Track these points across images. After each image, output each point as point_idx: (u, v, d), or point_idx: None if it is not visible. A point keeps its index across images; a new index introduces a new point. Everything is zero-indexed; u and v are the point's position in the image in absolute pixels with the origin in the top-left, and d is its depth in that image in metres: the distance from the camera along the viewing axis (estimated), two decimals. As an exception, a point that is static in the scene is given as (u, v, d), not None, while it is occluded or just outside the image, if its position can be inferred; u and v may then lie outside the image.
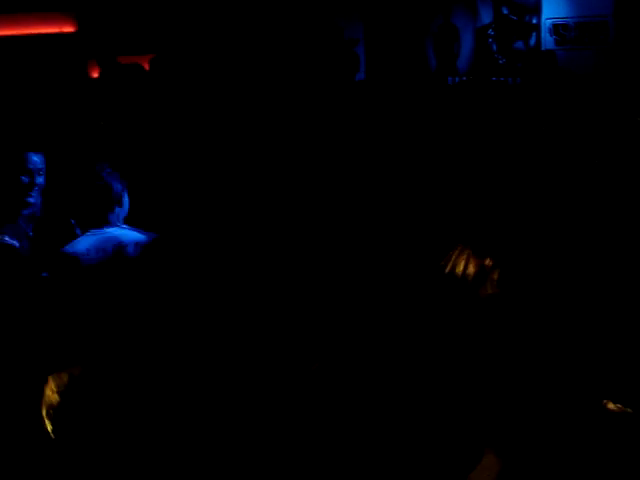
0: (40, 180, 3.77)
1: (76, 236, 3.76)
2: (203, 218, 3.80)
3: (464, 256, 2.68)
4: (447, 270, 2.68)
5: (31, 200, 3.76)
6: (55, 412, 2.51)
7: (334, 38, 8.76)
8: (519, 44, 9.06)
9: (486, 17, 9.39)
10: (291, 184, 4.25)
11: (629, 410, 2.25)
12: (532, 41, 8.91)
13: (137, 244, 3.58)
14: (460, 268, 2.66)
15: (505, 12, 9.17)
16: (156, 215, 4.04)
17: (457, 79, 9.69)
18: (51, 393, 2.54)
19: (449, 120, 5.70)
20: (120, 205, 3.73)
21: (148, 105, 5.97)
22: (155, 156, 5.02)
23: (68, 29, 9.47)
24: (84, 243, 3.63)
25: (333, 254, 2.92)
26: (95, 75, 8.44)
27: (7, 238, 3.59)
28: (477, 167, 4.73)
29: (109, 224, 3.68)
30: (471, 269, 2.64)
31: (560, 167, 4.53)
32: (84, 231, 3.73)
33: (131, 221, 3.78)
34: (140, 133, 5.40)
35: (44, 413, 2.53)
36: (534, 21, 8.87)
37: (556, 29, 8.63)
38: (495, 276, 2.61)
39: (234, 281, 2.88)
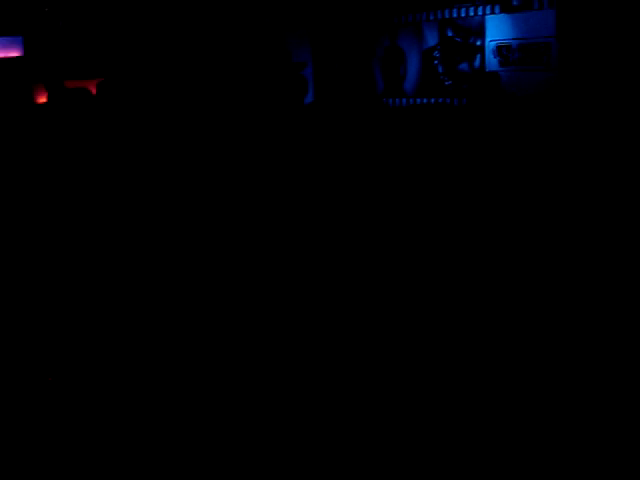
0: None
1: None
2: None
3: None
4: None
5: None
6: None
7: (282, 61, 8.80)
8: (464, 66, 9.21)
9: (431, 39, 9.53)
10: (238, 209, 4.26)
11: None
12: (476, 63, 9.05)
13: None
14: None
15: (450, 34, 9.31)
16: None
17: (404, 100, 9.82)
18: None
19: (396, 142, 5.75)
20: None
21: (95, 129, 5.94)
22: (103, 177, 4.99)
23: (14, 54, 9.38)
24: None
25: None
26: (41, 100, 8.36)
27: None
28: (424, 187, 4.78)
29: None
30: None
31: (503, 184, 4.60)
32: None
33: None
34: (88, 156, 5.36)
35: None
36: (478, 43, 9.01)
37: (500, 51, 8.78)
38: None
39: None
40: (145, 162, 4.60)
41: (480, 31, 8.95)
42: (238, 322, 2.82)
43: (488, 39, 8.88)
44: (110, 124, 6.01)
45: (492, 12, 8.77)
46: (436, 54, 9.52)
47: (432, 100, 9.49)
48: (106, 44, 9.01)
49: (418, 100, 9.74)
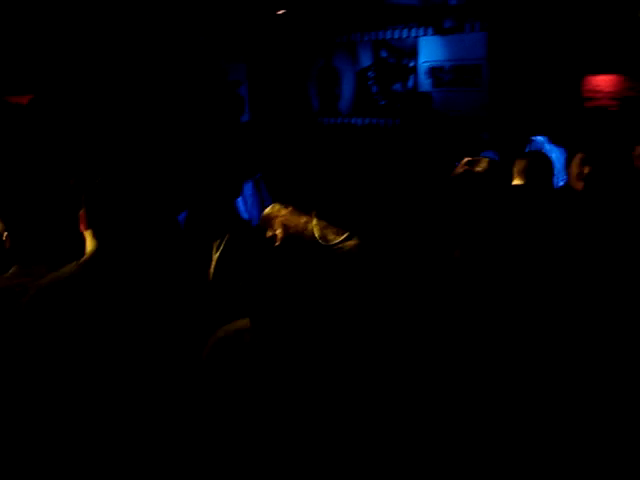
0: None
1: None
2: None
3: None
4: None
5: None
6: None
7: (218, 80, 8.81)
8: (397, 86, 9.35)
9: (366, 60, 9.65)
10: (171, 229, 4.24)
11: None
12: (410, 83, 9.20)
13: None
14: None
15: (384, 55, 9.45)
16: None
17: (339, 120, 9.91)
18: None
19: (330, 160, 5.81)
20: None
21: (26, 144, 5.87)
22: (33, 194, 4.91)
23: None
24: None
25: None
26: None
27: None
28: (356, 206, 4.83)
29: None
30: None
31: (435, 201, 4.68)
32: None
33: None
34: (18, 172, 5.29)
35: None
36: (411, 64, 9.15)
37: (432, 72, 8.94)
38: None
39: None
40: (76, 178, 4.55)
41: (413, 52, 9.11)
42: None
43: (421, 60, 9.04)
44: (41, 140, 5.94)
45: (425, 34, 8.94)
46: (370, 74, 9.65)
47: (366, 120, 9.61)
48: (40, 60, 8.90)
49: (353, 120, 9.85)
